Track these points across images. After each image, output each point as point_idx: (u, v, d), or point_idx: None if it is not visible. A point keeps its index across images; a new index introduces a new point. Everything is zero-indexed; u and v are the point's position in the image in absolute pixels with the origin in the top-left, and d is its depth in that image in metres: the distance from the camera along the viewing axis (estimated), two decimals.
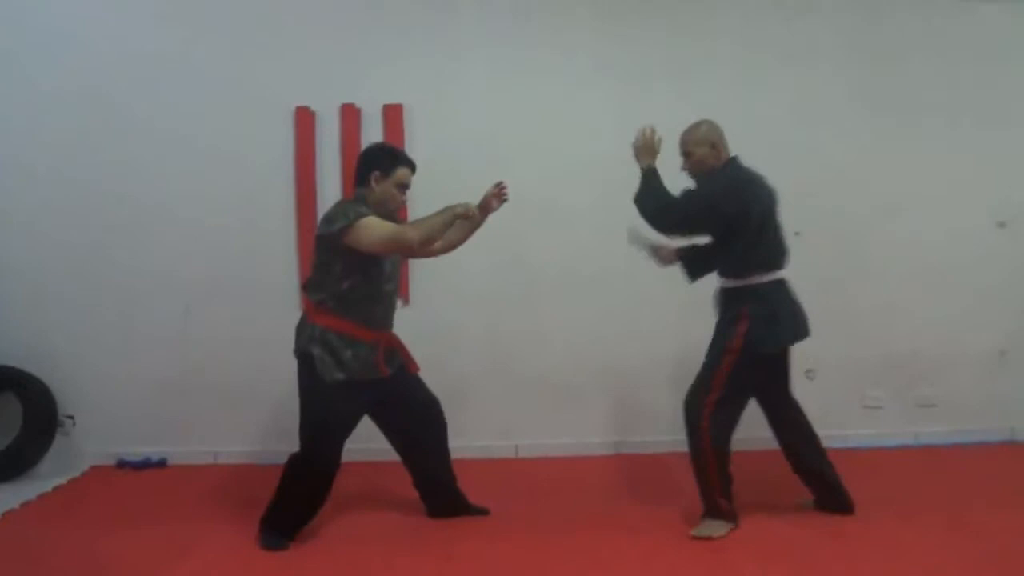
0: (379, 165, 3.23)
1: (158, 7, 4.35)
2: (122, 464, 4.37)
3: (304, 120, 4.33)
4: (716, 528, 3.27)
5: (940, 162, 4.43)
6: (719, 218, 3.29)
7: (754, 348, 3.24)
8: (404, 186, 3.28)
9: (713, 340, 3.36)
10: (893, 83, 4.41)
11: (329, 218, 3.15)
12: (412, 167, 3.31)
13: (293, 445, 4.29)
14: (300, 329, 3.29)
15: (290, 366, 4.32)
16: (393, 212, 3.28)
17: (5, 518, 3.66)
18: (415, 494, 3.57)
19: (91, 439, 4.41)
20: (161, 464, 4.38)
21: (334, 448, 3.24)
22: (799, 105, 4.39)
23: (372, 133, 4.31)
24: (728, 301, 3.38)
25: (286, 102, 4.33)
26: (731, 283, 3.37)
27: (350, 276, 3.14)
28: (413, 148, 4.27)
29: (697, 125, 3.41)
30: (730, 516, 3.32)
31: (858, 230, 4.44)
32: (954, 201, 4.45)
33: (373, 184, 3.22)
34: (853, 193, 4.41)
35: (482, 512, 3.56)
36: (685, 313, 4.35)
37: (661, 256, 3.66)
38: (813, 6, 4.40)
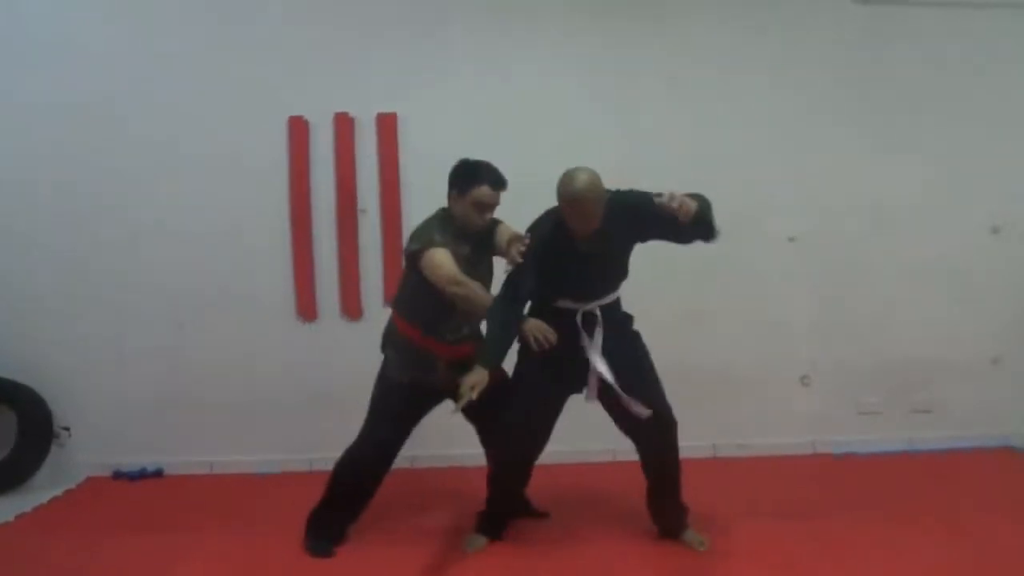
0: (456, 184, 3.22)
1: (151, 17, 4.33)
2: (118, 475, 4.36)
3: (298, 129, 4.33)
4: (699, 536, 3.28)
5: (934, 169, 4.42)
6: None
7: None
8: (484, 205, 3.19)
9: (633, 347, 3.26)
10: (888, 90, 4.41)
11: (414, 236, 3.23)
12: (495, 184, 3.19)
13: (289, 453, 4.35)
14: (387, 328, 3.39)
15: (284, 376, 4.36)
16: (472, 229, 3.23)
17: (1, 530, 3.66)
18: (417, 501, 3.58)
19: (87, 450, 4.40)
20: (157, 474, 4.37)
21: (394, 438, 3.28)
22: (794, 112, 4.39)
23: (366, 142, 4.32)
24: (618, 309, 3.32)
25: (280, 111, 4.32)
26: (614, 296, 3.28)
27: (419, 289, 3.17)
28: (407, 157, 4.32)
29: (580, 171, 2.91)
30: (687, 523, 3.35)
31: (852, 236, 4.44)
32: (948, 207, 4.44)
33: (450, 203, 3.24)
34: (847, 199, 4.41)
35: (543, 516, 3.62)
36: (683, 321, 4.37)
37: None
38: (811, 12, 4.40)
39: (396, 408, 3.28)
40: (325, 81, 4.35)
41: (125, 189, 4.33)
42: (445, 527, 3.52)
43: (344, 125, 4.34)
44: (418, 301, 3.22)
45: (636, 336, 3.29)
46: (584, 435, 4.40)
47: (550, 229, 3.06)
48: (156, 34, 4.33)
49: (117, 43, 4.32)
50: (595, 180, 2.90)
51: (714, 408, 4.36)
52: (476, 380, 2.92)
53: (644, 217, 2.97)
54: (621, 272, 3.23)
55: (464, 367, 3.11)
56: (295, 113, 4.32)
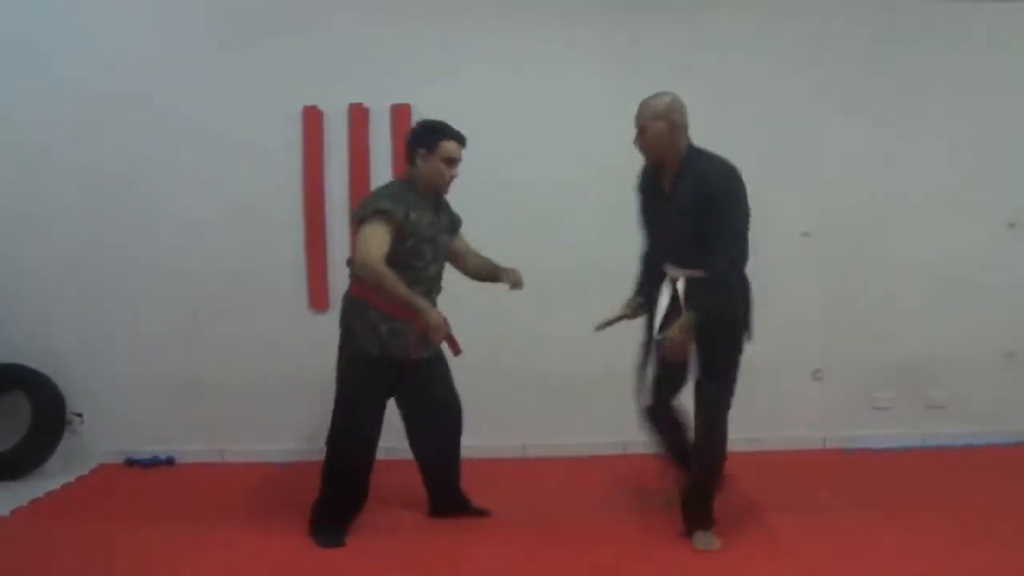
0: (423, 142, 3.25)
1: (167, 5, 4.35)
2: (130, 462, 4.38)
3: (312, 119, 4.33)
4: (713, 540, 3.19)
5: (949, 164, 4.40)
6: (746, 216, 3.13)
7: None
8: (452, 160, 3.25)
9: (716, 339, 3.14)
10: (903, 84, 4.38)
11: (362, 202, 3.26)
12: (460, 140, 3.28)
13: (301, 442, 4.35)
14: (344, 300, 3.34)
15: (297, 363, 4.36)
16: (442, 187, 3.30)
17: (14, 515, 3.68)
18: (421, 493, 3.57)
19: (99, 437, 4.42)
20: (169, 462, 4.39)
21: (370, 418, 3.27)
22: (807, 107, 4.36)
23: (380, 133, 4.32)
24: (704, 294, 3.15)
25: (294, 101, 4.32)
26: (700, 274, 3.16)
27: (389, 256, 3.13)
28: None
29: (658, 96, 3.13)
30: (712, 524, 3.24)
31: (866, 230, 4.41)
32: (964, 202, 4.42)
33: (419, 162, 3.25)
34: (861, 194, 4.39)
35: (483, 514, 3.55)
36: None
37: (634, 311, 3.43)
38: (825, 5, 4.38)
39: (370, 386, 3.24)
40: (340, 71, 4.35)
41: (139, 176, 4.34)
42: (450, 518, 3.52)
43: (358, 115, 4.34)
44: (392, 268, 3.15)
45: (723, 327, 3.15)
46: (595, 428, 4.43)
47: (645, 172, 3.29)
48: (173, 22, 4.34)
49: (134, 31, 4.33)
50: (663, 100, 3.09)
51: None
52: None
53: (706, 199, 3.06)
54: (696, 237, 3.09)
55: (428, 337, 3.18)
56: (309, 103, 4.32)
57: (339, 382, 3.30)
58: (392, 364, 3.24)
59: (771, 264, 4.37)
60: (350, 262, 3.30)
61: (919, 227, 4.42)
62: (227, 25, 4.34)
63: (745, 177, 4.31)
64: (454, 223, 3.47)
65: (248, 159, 4.34)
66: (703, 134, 4.30)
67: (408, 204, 3.18)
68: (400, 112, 4.32)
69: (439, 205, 3.36)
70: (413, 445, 3.53)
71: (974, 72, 4.39)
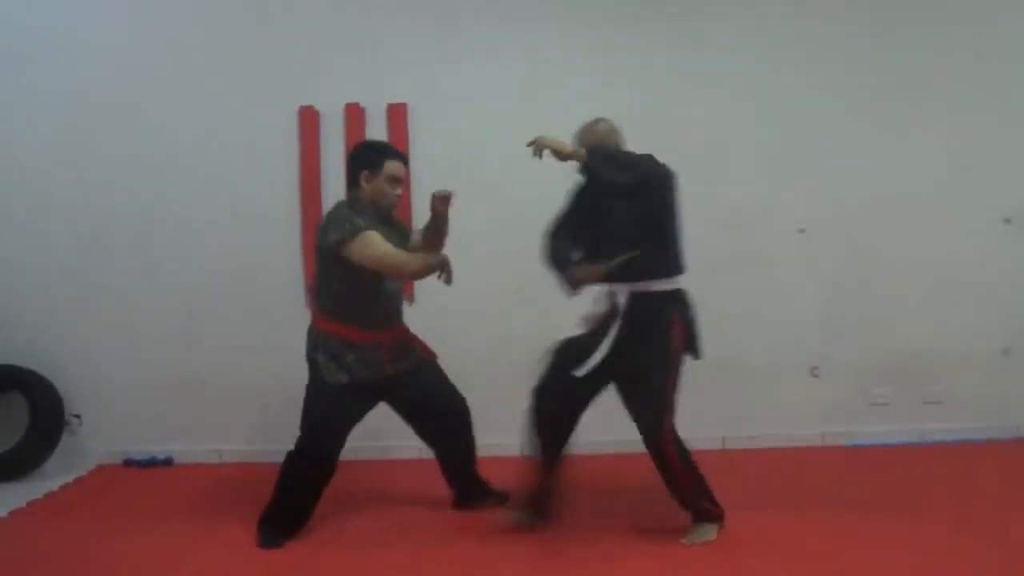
0: (366, 163, 3.23)
1: (162, 6, 4.36)
2: (128, 463, 4.39)
3: (308, 119, 4.34)
4: (707, 532, 3.19)
5: (947, 159, 4.40)
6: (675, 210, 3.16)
7: (686, 356, 3.17)
8: (396, 179, 3.25)
9: (648, 348, 3.10)
10: (899, 80, 4.39)
11: (324, 228, 3.17)
12: (402, 159, 3.30)
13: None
14: (308, 334, 3.33)
15: (294, 365, 4.34)
16: (388, 209, 3.28)
17: (12, 516, 3.68)
18: (417, 492, 3.59)
19: (97, 438, 4.43)
20: (167, 463, 4.40)
21: (332, 446, 3.27)
22: (805, 103, 4.37)
23: (376, 132, 4.31)
24: (659, 305, 3.14)
25: (290, 101, 4.33)
26: (660, 285, 3.16)
27: (346, 281, 3.15)
28: (417, 148, 4.31)
29: (598, 122, 3.21)
30: (715, 516, 3.22)
31: (863, 227, 4.41)
32: (960, 198, 4.41)
33: (363, 183, 3.23)
34: (857, 190, 4.39)
35: (504, 498, 3.56)
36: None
37: (583, 277, 3.15)
38: (821, 7, 4.38)
39: (335, 414, 3.24)
40: (336, 71, 4.36)
41: (136, 178, 4.36)
42: (454, 516, 3.53)
43: (355, 115, 4.34)
44: (350, 294, 3.18)
45: (664, 332, 3.10)
46: (592, 427, 4.43)
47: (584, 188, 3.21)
48: (168, 24, 4.35)
49: (130, 33, 4.36)
50: (612, 125, 3.17)
51: (723, 399, 4.35)
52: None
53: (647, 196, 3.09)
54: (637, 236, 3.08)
55: (405, 349, 3.23)
56: (306, 103, 4.33)
57: (306, 405, 3.29)
58: (364, 388, 3.25)
59: (768, 260, 4.40)
60: (310, 291, 3.29)
61: (916, 224, 4.42)
62: (223, 27, 4.35)
63: (745, 176, 4.37)
64: (404, 235, 3.43)
65: (245, 160, 4.35)
66: (703, 134, 4.34)
67: (365, 218, 3.16)
68: (396, 112, 4.33)
69: (390, 219, 3.34)
70: (428, 445, 3.58)
71: (971, 71, 4.39)
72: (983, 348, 4.45)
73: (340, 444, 3.28)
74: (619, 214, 3.12)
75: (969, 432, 4.41)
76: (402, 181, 3.31)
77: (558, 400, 3.24)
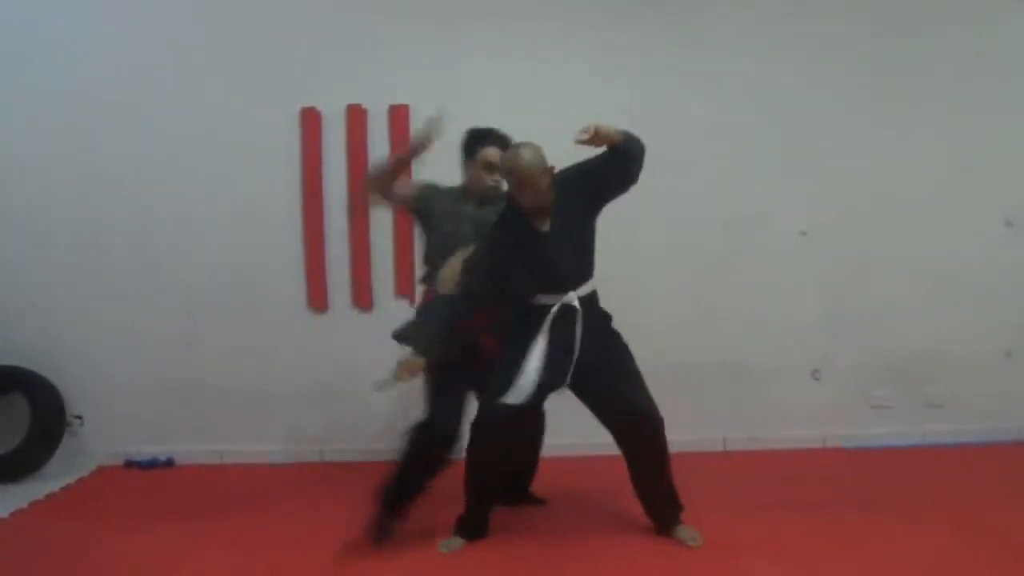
0: (464, 150, 3.31)
1: (164, 7, 4.35)
2: (129, 464, 4.39)
3: (310, 121, 4.34)
4: (690, 532, 3.20)
5: (948, 162, 4.40)
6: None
7: None
8: (491, 165, 3.23)
9: (614, 344, 3.18)
10: (900, 82, 4.38)
11: None
12: (500, 144, 3.24)
13: (300, 444, 4.36)
14: (593, 305, 3.29)
15: (297, 365, 4.37)
16: (485, 193, 3.26)
17: (13, 517, 3.68)
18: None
19: (99, 439, 4.43)
20: (168, 464, 4.40)
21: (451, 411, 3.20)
22: (806, 106, 4.36)
23: (378, 134, 4.32)
24: (597, 305, 3.18)
25: (292, 103, 4.33)
26: (590, 288, 3.16)
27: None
28: None
29: (531, 149, 2.99)
30: (680, 513, 3.25)
31: (864, 229, 4.41)
32: (960, 198, 4.41)
33: (463, 171, 3.30)
34: (860, 192, 4.38)
35: (541, 502, 3.61)
36: (693, 314, 4.36)
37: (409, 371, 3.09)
38: (821, 7, 4.37)
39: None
40: (338, 73, 4.35)
41: (138, 178, 4.36)
42: (453, 516, 3.52)
43: (356, 117, 4.34)
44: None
45: (617, 334, 3.22)
46: (591, 429, 4.43)
47: (509, 220, 3.07)
48: (169, 24, 4.35)
49: (131, 34, 4.35)
50: (538, 152, 2.98)
51: (725, 401, 4.36)
52: (410, 366, 3.01)
53: (588, 177, 3.04)
54: (588, 254, 3.16)
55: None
56: (307, 104, 4.33)
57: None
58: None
59: (769, 262, 4.40)
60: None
61: (917, 226, 4.41)
62: (224, 27, 4.35)
63: (744, 176, 4.36)
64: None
65: (247, 161, 4.35)
66: (703, 134, 4.34)
67: (451, 199, 3.28)
68: (398, 113, 4.32)
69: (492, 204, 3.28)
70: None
71: (971, 72, 4.39)
72: (984, 350, 4.44)
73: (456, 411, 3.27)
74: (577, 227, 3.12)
75: (970, 434, 4.40)
76: (498, 167, 3.20)
77: (509, 429, 3.14)
